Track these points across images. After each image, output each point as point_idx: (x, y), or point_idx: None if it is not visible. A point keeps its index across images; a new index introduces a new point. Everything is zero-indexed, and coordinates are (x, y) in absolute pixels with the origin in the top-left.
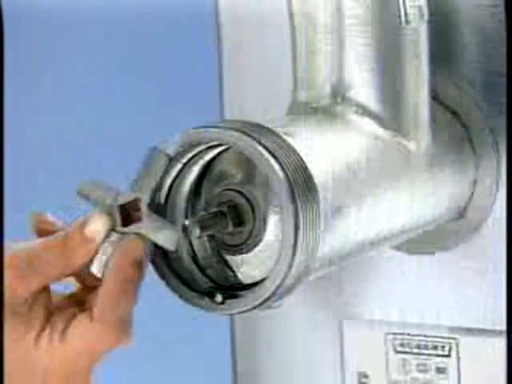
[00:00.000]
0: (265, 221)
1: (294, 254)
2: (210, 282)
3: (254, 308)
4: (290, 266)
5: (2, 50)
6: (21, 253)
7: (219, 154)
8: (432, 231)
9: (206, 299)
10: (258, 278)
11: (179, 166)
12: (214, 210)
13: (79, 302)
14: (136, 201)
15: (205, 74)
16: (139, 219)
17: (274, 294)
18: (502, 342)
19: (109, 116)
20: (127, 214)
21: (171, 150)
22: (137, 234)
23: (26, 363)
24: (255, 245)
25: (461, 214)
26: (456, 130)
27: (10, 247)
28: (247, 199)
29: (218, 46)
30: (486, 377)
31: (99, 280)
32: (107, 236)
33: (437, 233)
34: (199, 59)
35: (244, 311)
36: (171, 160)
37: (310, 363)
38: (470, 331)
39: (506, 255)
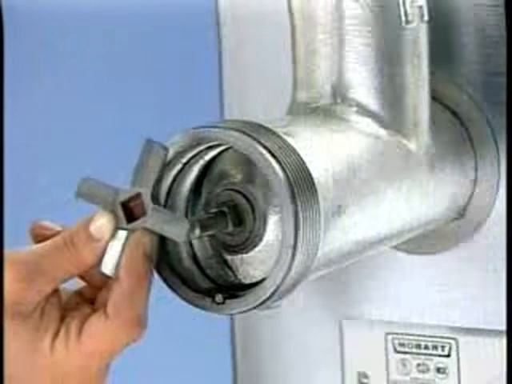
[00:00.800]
0: (265, 221)
1: (293, 254)
2: (210, 282)
3: (254, 308)
4: (290, 266)
5: (1, 49)
6: (25, 258)
7: (219, 153)
8: (432, 231)
9: (206, 299)
10: (258, 278)
11: (179, 166)
12: (214, 210)
13: (90, 300)
14: (138, 196)
15: (205, 73)
16: (143, 214)
17: (273, 294)
18: (501, 342)
19: (109, 116)
20: (130, 210)
21: (168, 145)
22: (144, 228)
23: (43, 370)
24: (255, 245)
25: (461, 213)
26: (456, 130)
27: (10, 254)
28: (247, 199)
29: (218, 45)
30: (486, 377)
31: (108, 278)
32: (114, 234)
33: (437, 233)
34: (199, 59)
35: (244, 311)
36: (168, 152)
37: (310, 363)
38: (469, 331)
39: (505, 255)
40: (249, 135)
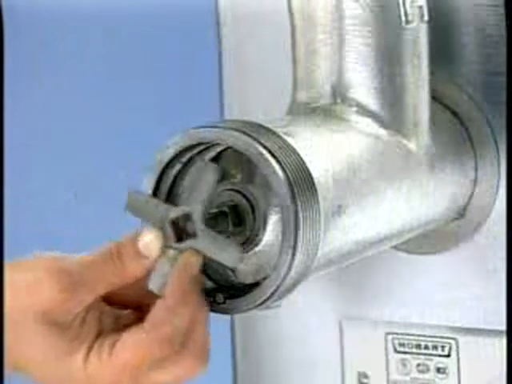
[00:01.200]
0: (265, 221)
1: (293, 254)
2: (211, 282)
3: (254, 308)
4: (290, 266)
5: (2, 49)
6: (69, 267)
7: (219, 153)
8: (432, 231)
9: (207, 299)
10: (259, 278)
11: (179, 166)
12: (214, 210)
13: (137, 315)
14: (188, 215)
15: (205, 74)
16: (192, 234)
17: (273, 294)
18: (501, 342)
19: (109, 116)
20: (180, 229)
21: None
22: (192, 248)
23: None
24: (255, 245)
25: (461, 213)
26: (456, 130)
27: (56, 262)
28: (247, 199)
29: (218, 45)
30: (486, 377)
31: (156, 298)
32: (163, 252)
33: (437, 233)
34: (199, 59)
35: (244, 311)
36: (219, 172)
37: (310, 363)
38: (469, 331)
39: (505, 255)
40: (249, 135)
